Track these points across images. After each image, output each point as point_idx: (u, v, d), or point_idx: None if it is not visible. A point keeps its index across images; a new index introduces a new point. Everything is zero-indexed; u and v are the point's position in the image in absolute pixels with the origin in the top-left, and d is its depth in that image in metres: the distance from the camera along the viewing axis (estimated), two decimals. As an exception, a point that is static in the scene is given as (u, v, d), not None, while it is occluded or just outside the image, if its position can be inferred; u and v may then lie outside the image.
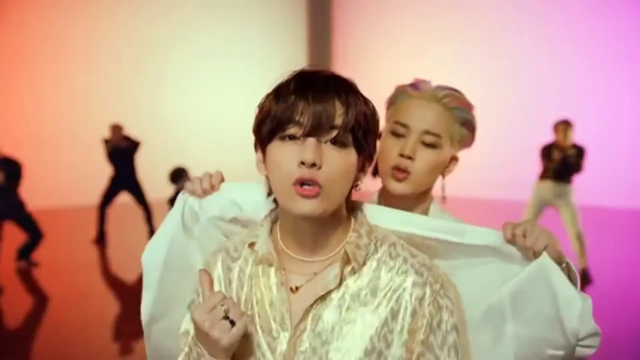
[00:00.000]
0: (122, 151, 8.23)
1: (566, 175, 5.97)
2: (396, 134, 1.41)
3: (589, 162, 6.23)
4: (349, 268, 1.02)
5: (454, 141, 1.44)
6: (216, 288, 1.09)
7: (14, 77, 11.28)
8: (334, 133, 0.97)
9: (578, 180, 6.44)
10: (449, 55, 13.14)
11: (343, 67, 15.24)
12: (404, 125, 1.41)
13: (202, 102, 13.47)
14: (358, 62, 14.60)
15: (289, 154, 0.97)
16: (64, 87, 11.76)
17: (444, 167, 1.47)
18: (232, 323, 0.97)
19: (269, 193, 1.07)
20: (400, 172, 1.38)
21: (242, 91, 13.63)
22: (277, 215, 1.10)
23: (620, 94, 11.19)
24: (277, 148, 0.99)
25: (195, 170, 6.34)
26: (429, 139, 1.39)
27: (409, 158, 1.38)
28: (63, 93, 11.77)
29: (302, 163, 0.95)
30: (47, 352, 4.55)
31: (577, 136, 11.04)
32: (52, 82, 11.64)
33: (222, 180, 1.26)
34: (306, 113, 0.96)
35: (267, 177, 1.05)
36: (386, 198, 1.46)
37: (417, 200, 1.45)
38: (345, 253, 1.02)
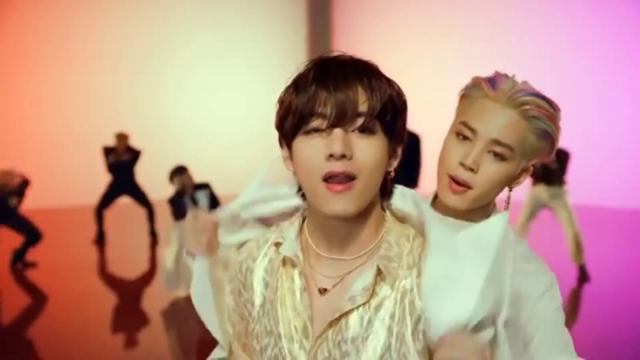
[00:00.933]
0: (124, 163, 8.20)
1: (554, 179, 6.10)
2: (462, 136, 1.23)
3: (589, 162, 6.22)
4: (383, 285, 0.96)
5: (527, 153, 1.25)
6: (242, 294, 1.08)
7: (14, 77, 11.28)
8: (360, 121, 0.91)
9: (578, 180, 6.46)
10: (449, 55, 13.13)
11: (343, 67, 15.23)
12: (472, 130, 1.21)
13: (202, 102, 13.48)
14: (358, 62, 14.60)
15: (315, 148, 0.92)
16: (64, 87, 11.76)
17: (513, 179, 1.27)
18: None
19: (298, 189, 1.02)
20: (457, 185, 1.21)
21: (242, 91, 13.65)
22: (306, 211, 1.05)
23: (620, 93, 11.19)
24: (303, 143, 0.93)
25: (195, 170, 6.34)
26: (498, 149, 1.20)
27: (471, 170, 1.20)
28: (63, 93, 11.77)
29: (331, 156, 0.90)
30: (46, 352, 4.55)
31: (577, 136, 11.04)
32: (52, 82, 11.64)
33: (212, 221, 1.09)
34: (329, 103, 0.90)
35: (295, 174, 1.00)
36: (438, 204, 1.27)
37: (470, 216, 1.21)
38: (379, 268, 0.96)
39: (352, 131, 0.92)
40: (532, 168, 1.30)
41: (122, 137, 8.27)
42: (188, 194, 5.84)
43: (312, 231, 1.02)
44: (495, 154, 1.20)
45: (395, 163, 0.99)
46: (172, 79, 13.15)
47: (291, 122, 0.94)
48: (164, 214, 7.21)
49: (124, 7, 12.40)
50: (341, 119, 0.91)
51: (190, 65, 13.33)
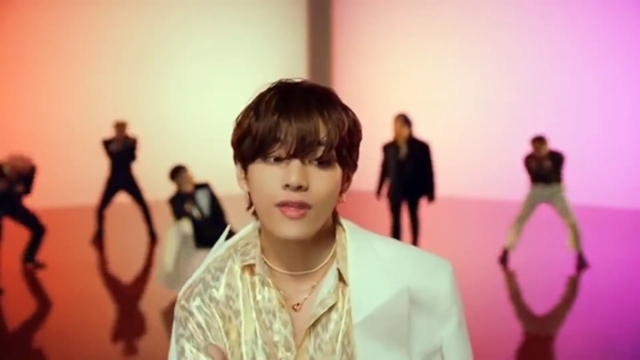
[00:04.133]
0: (125, 151, 8.17)
1: (551, 179, 6.55)
2: None
3: (589, 162, 6.25)
4: (343, 285, 1.01)
5: None
6: (211, 326, 1.02)
7: (14, 77, 11.28)
8: (319, 153, 0.94)
9: (578, 180, 6.52)
10: (449, 55, 13.14)
11: (343, 67, 15.24)
12: None
13: (202, 101, 13.48)
14: (358, 62, 14.61)
15: (272, 176, 0.94)
16: (64, 87, 11.77)
17: None
18: None
19: (249, 207, 1.03)
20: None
21: (242, 91, 13.57)
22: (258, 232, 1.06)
23: (620, 93, 11.19)
24: (260, 169, 0.95)
25: (194, 170, 6.34)
26: None
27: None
28: (63, 93, 11.78)
29: (287, 186, 0.92)
30: (46, 352, 4.55)
31: (577, 136, 11.05)
32: (52, 82, 11.65)
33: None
34: (290, 133, 0.92)
35: (248, 193, 1.02)
36: None
37: None
38: (338, 270, 1.01)
39: (310, 162, 0.94)
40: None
41: (120, 126, 8.23)
42: (188, 193, 5.84)
43: (268, 251, 1.03)
44: None
45: (347, 187, 1.03)
46: (172, 79, 13.16)
47: (250, 146, 0.96)
48: (164, 213, 7.22)
49: (124, 7, 12.40)
50: (301, 150, 0.93)
51: (190, 65, 13.34)
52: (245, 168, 0.99)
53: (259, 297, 1.02)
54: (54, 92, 11.67)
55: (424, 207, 7.25)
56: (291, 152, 0.93)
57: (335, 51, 15.46)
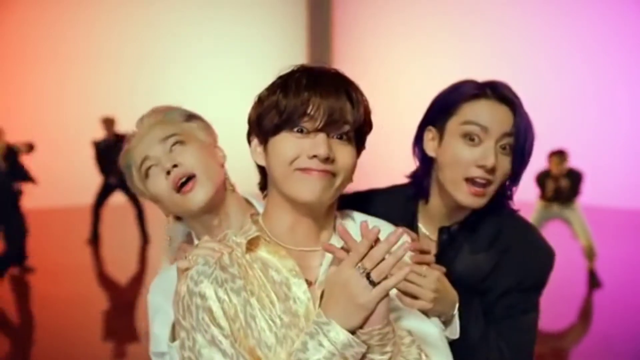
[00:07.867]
0: (114, 150, 8.01)
1: (568, 198, 5.87)
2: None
3: (591, 162, 6.18)
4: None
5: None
6: (225, 319, 0.97)
7: (14, 76, 11.28)
8: (346, 129, 1.00)
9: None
10: (449, 55, 13.13)
11: (343, 67, 15.16)
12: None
13: (201, 101, 13.42)
14: (358, 62, 14.59)
15: (297, 145, 0.98)
16: (64, 86, 11.76)
17: None
18: (372, 284, 0.89)
19: (263, 187, 1.09)
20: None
21: (242, 91, 13.63)
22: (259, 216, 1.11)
23: (620, 92, 11.18)
24: (285, 140, 0.99)
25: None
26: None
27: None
28: (63, 92, 11.77)
29: (315, 156, 0.97)
30: (42, 353, 4.54)
31: (577, 135, 11.05)
32: (52, 81, 11.64)
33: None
34: (319, 109, 0.97)
35: (259, 167, 1.07)
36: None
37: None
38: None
39: (333, 137, 1.00)
40: None
41: (108, 122, 8.00)
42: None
43: (276, 228, 1.05)
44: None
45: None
46: (172, 79, 13.14)
47: (276, 120, 1.00)
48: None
49: (124, 6, 12.40)
50: (329, 125, 0.99)
51: (190, 65, 13.33)
52: (265, 142, 1.03)
53: (271, 272, 1.02)
54: (53, 91, 11.67)
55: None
56: (319, 126, 0.98)
57: (335, 51, 15.45)
